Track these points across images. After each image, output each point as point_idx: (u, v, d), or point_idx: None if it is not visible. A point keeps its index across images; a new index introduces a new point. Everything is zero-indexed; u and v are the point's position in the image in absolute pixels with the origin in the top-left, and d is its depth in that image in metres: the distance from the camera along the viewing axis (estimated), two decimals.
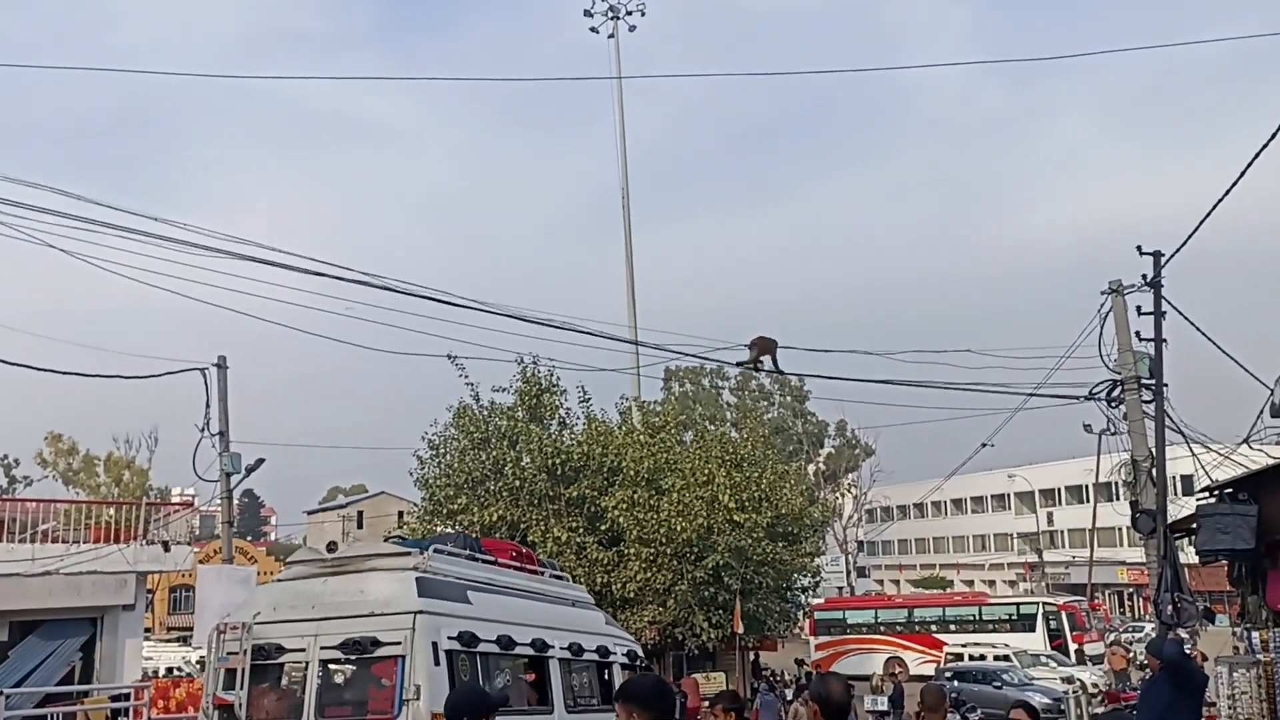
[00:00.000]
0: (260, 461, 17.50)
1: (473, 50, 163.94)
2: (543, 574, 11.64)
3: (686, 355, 18.26)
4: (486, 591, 9.72)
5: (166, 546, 17.77)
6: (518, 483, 28.81)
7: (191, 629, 20.26)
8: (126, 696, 16.65)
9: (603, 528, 28.96)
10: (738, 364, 17.81)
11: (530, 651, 9.87)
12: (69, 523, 17.99)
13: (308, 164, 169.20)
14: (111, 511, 18.99)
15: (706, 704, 14.15)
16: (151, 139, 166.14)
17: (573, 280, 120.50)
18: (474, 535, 27.41)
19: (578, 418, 31.48)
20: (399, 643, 8.26)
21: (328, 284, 13.13)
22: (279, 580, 9.63)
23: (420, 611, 8.40)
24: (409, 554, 9.20)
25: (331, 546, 9.43)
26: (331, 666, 8.74)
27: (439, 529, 29.98)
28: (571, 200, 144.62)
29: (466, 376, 30.25)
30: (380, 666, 8.42)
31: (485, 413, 30.61)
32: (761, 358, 17.18)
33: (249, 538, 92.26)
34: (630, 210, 41.09)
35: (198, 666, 29.49)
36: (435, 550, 9.49)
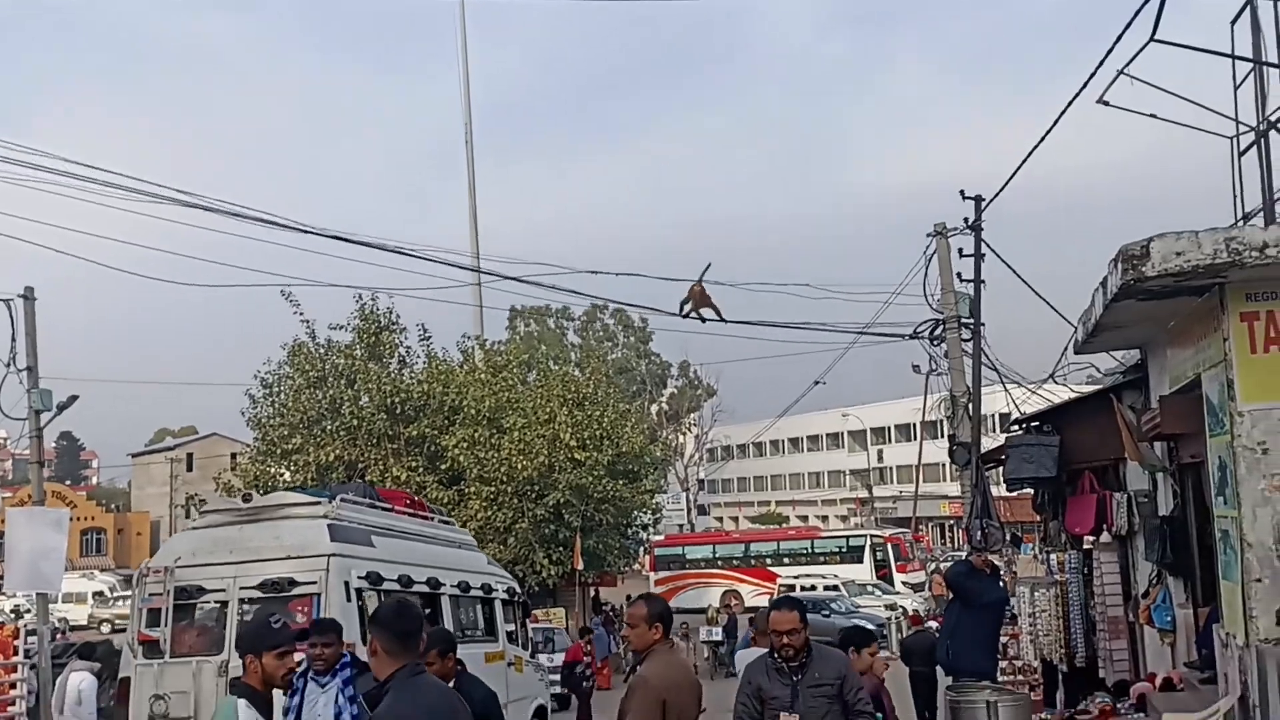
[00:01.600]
0: (73, 399, 16.58)
1: None
2: (432, 519, 12.75)
3: (525, 282, 18.15)
4: (387, 536, 10.78)
5: None
6: (355, 422, 28.34)
7: (2, 577, 19.24)
8: None
9: (443, 467, 28.78)
10: (682, 314, 17.27)
11: (426, 589, 10.89)
12: None
13: (130, 89, 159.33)
14: None
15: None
16: None
17: (414, 220, 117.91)
18: (311, 476, 27.09)
19: (418, 356, 31.13)
20: (314, 582, 9.27)
21: (149, 210, 12.44)
22: (194, 528, 10.56)
23: (333, 554, 9.42)
24: (319, 503, 10.19)
25: (247, 497, 10.53)
26: (250, 604, 9.42)
27: (273, 470, 29.32)
28: (413, 138, 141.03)
29: (301, 313, 29.43)
30: (296, 604, 9.24)
31: (322, 351, 29.87)
32: (701, 309, 17.27)
33: (68, 482, 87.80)
34: (474, 143, 40.38)
35: (11, 615, 28.05)
36: (342, 500, 10.45)
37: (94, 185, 12.34)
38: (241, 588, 9.41)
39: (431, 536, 12.14)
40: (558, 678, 18.78)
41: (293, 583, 9.33)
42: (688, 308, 17.29)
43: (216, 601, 9.66)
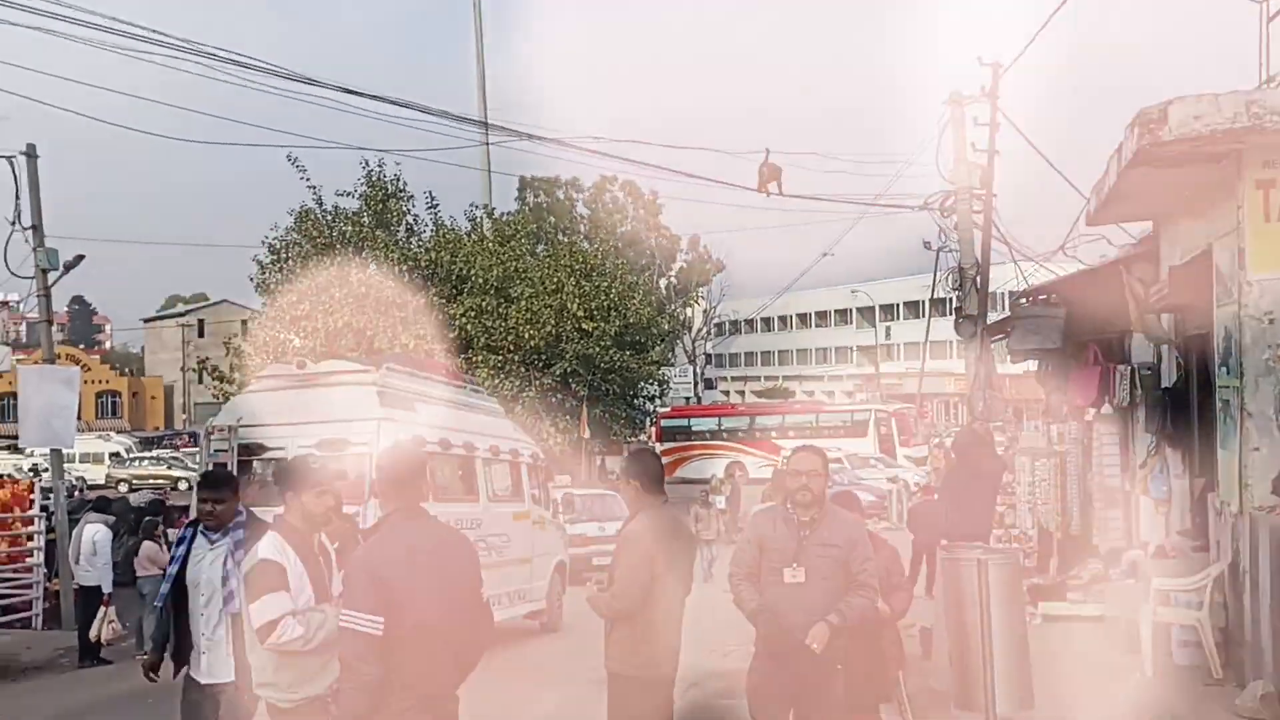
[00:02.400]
0: (79, 258, 16.53)
1: None
2: (465, 389, 13.60)
3: (534, 138, 18.18)
4: (428, 403, 11.60)
5: None
6: (363, 289, 28.34)
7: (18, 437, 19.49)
8: None
9: (450, 335, 28.87)
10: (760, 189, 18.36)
11: (462, 452, 11.78)
12: None
13: None
14: None
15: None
16: None
17: (418, 82, 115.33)
18: (320, 342, 27.24)
19: (426, 225, 30.93)
20: (366, 444, 9.98)
21: (148, 63, 12.19)
22: (253, 392, 11.59)
23: (383, 419, 10.32)
24: (368, 371, 11.07)
25: (301, 364, 11.32)
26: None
27: (283, 337, 29.44)
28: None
29: (308, 179, 29.15)
30: (350, 462, 9.84)
31: (329, 218, 29.69)
32: (770, 183, 18.33)
33: (82, 345, 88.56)
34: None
35: (29, 473, 28.62)
36: (388, 369, 11.28)
37: (92, 33, 12.06)
38: (299, 446, 10.04)
39: (466, 404, 12.92)
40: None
41: (346, 443, 10.11)
42: (766, 185, 18.27)
43: (275, 459, 10.33)
